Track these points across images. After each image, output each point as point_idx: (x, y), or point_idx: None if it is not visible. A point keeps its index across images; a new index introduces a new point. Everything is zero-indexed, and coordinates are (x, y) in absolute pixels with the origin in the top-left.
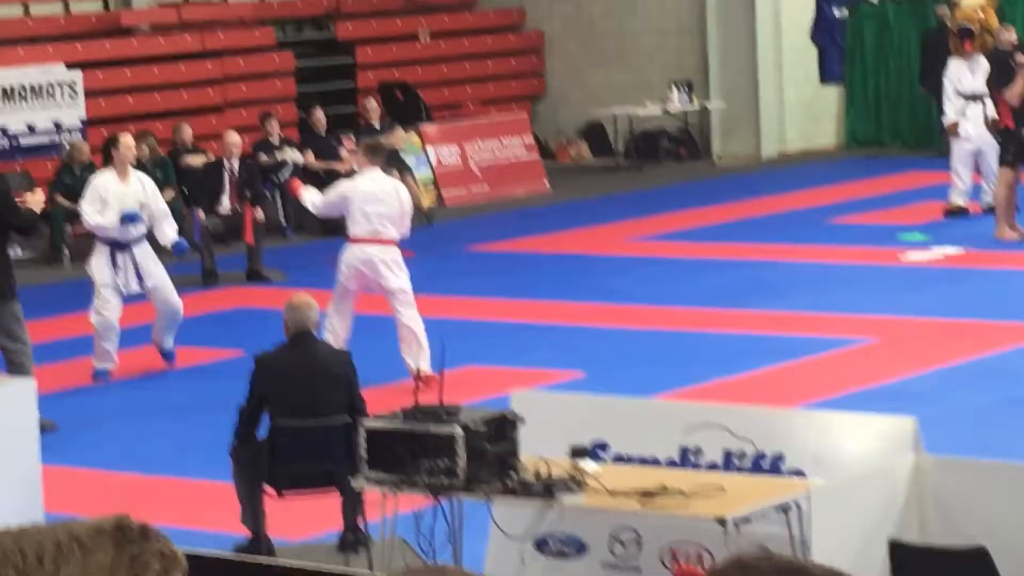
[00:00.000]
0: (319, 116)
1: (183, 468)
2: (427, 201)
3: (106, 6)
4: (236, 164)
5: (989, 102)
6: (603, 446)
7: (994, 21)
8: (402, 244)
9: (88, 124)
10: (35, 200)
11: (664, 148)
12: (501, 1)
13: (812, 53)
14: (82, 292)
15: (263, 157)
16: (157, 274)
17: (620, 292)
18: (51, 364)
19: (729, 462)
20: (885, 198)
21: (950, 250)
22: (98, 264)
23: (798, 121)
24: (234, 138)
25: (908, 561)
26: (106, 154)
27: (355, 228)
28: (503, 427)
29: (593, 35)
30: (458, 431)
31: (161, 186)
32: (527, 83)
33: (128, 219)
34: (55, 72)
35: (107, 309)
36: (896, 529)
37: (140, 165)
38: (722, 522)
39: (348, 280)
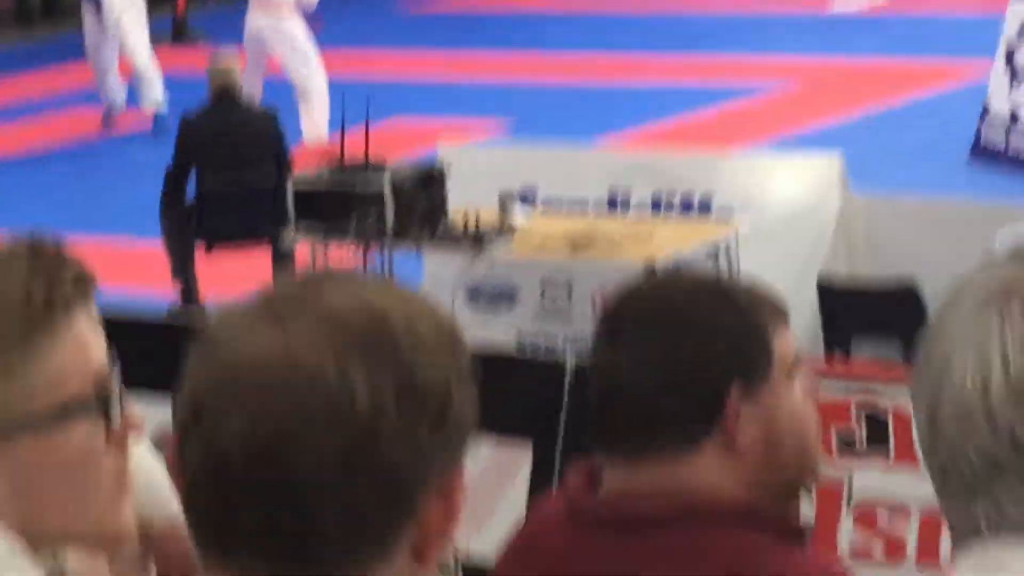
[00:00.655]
0: None
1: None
2: None
3: None
4: None
5: None
6: (532, 192)
7: None
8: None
9: None
10: None
11: None
12: None
13: None
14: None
15: None
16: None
17: (543, 43)
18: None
19: (658, 204)
20: None
21: None
22: None
23: None
24: None
25: (837, 298)
26: None
27: None
28: (430, 179)
29: None
30: (385, 184)
31: None
32: None
33: None
34: None
35: None
36: (825, 267)
37: None
38: (651, 266)
39: (248, 46)
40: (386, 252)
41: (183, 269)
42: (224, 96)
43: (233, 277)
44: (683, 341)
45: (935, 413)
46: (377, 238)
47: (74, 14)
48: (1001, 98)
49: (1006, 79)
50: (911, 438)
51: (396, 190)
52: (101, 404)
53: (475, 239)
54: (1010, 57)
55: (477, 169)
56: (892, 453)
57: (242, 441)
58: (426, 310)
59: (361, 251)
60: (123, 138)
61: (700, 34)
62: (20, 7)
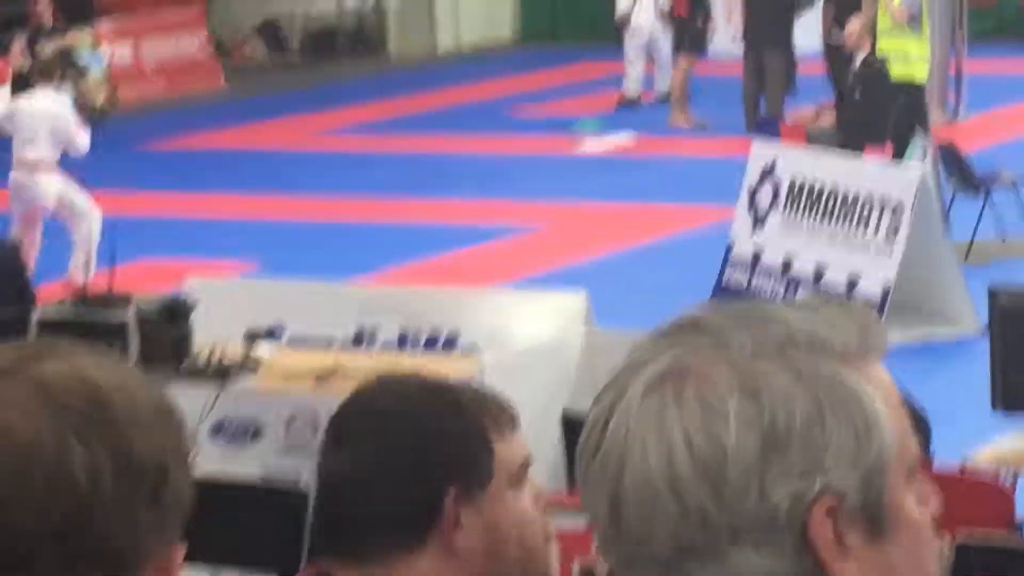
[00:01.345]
0: None
1: None
2: (101, 99)
3: None
4: None
5: None
6: (279, 329)
7: None
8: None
9: None
10: None
11: (340, 45)
12: None
13: None
14: None
15: None
16: None
17: (295, 185)
18: None
19: (404, 341)
20: (561, 89)
21: (623, 138)
22: None
23: (473, 14)
24: None
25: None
26: None
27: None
28: (176, 312)
29: None
30: (130, 317)
31: None
32: None
33: None
34: None
35: None
36: (570, 402)
37: None
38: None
39: (13, 206)
40: None
41: None
42: None
43: None
44: (401, 442)
45: (617, 503)
46: None
47: None
48: (744, 239)
49: (749, 221)
50: None
51: (141, 322)
52: None
53: (220, 373)
54: (752, 200)
55: (224, 304)
56: None
57: None
58: (143, 385)
59: None
60: None
61: (451, 176)
62: None
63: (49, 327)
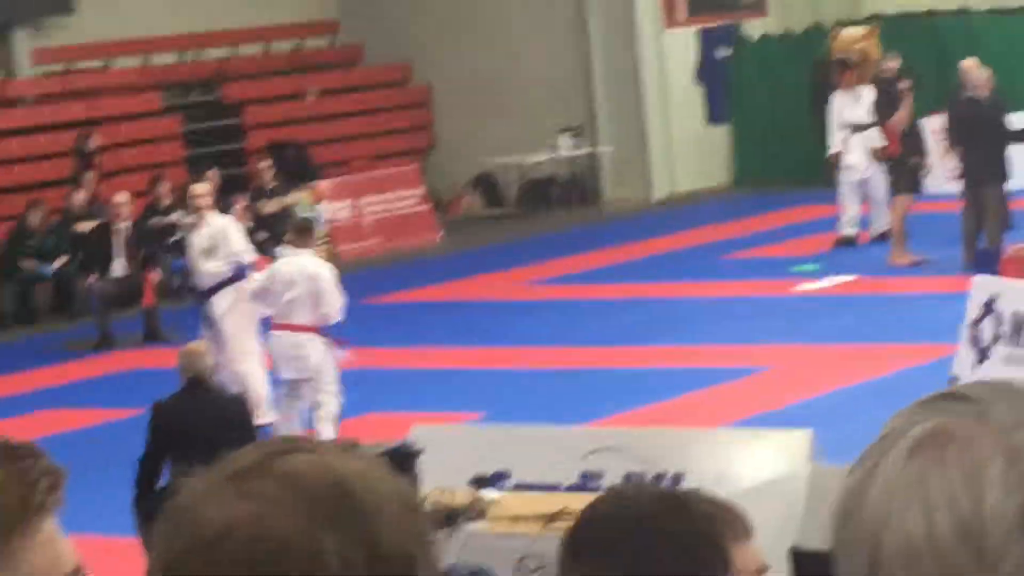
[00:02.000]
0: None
1: (91, 525)
2: (322, 257)
3: None
4: (124, 226)
5: (875, 131)
6: (505, 475)
7: (875, 51)
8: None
9: None
10: None
11: (555, 195)
12: (386, 57)
13: (698, 94)
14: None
15: (154, 220)
16: None
17: (516, 335)
18: None
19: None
20: (776, 232)
21: (841, 279)
22: None
23: (687, 162)
24: (119, 199)
25: (809, 566)
26: None
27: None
28: (403, 459)
29: (479, 86)
30: None
31: (54, 253)
32: (416, 136)
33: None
34: None
35: None
36: (798, 538)
37: (33, 233)
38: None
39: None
40: None
41: None
42: (195, 383)
43: None
44: (640, 554)
45: (876, 566)
46: None
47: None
48: (967, 374)
49: (972, 355)
50: None
51: None
52: None
53: (447, 519)
54: (974, 334)
55: (449, 452)
56: None
57: None
58: (387, 476)
59: None
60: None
61: (670, 322)
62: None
63: None
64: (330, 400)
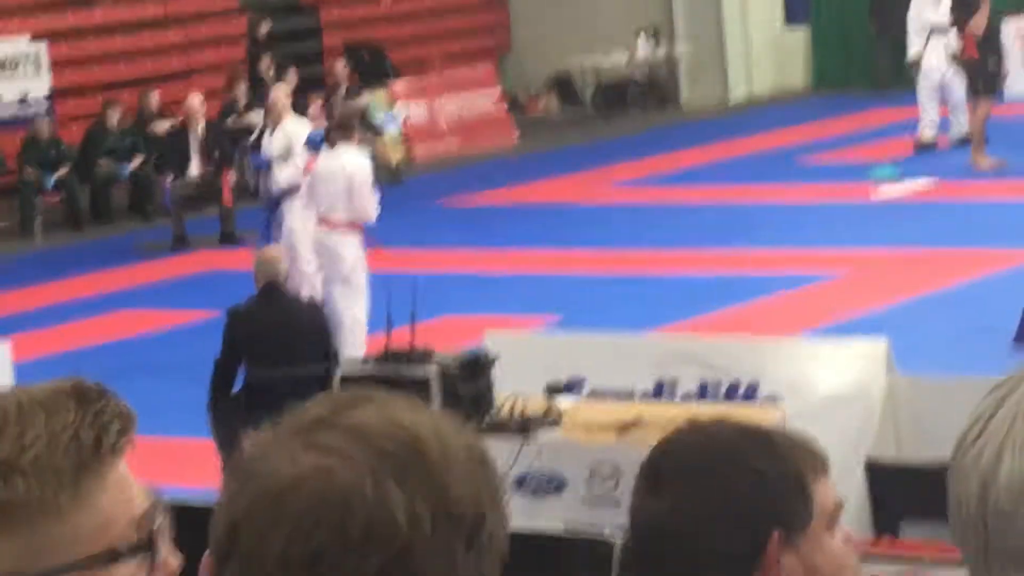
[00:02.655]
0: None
1: (164, 427)
2: (397, 158)
3: None
4: (200, 128)
5: (953, 35)
6: (579, 382)
7: None
8: (371, 231)
9: (54, 96)
10: None
11: (632, 96)
12: None
13: None
14: (53, 262)
15: (230, 120)
16: None
17: (592, 238)
18: (26, 333)
19: (704, 392)
20: (855, 136)
21: (921, 183)
22: None
23: (765, 64)
24: (194, 101)
25: (885, 480)
26: None
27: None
28: (477, 367)
29: None
30: (432, 372)
31: (130, 153)
32: (492, 37)
33: None
34: (19, 45)
35: None
36: (873, 449)
37: (110, 133)
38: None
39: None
40: None
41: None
42: (270, 289)
43: None
44: (724, 487)
45: (986, 490)
46: None
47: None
48: None
49: None
50: None
51: (442, 377)
52: (146, 547)
53: (522, 427)
54: None
55: (523, 359)
56: None
57: (281, 561)
58: (456, 430)
59: None
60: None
61: (746, 226)
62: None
63: (353, 383)
64: (355, 303)
